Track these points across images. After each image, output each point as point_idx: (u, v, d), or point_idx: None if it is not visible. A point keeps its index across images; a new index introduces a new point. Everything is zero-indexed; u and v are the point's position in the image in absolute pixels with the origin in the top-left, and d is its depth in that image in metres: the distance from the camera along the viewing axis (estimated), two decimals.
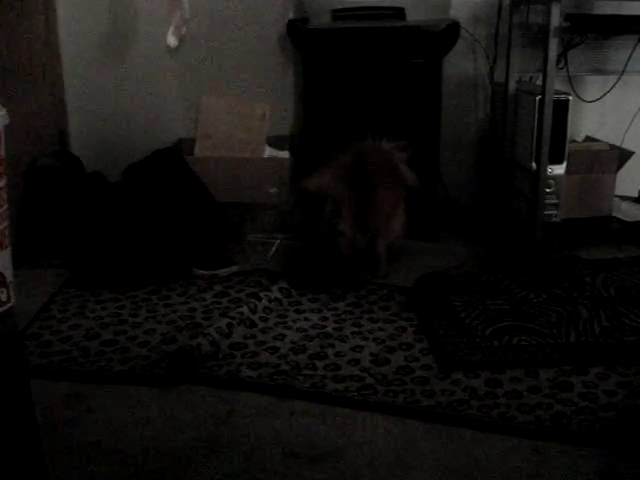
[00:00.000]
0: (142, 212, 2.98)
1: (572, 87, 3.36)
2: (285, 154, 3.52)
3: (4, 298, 1.25)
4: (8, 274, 1.25)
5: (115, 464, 1.86)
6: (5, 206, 1.23)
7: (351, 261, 2.94)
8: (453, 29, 3.27)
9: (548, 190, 3.19)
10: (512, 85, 3.39)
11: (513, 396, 2.13)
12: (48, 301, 2.79)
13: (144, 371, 2.30)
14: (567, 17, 3.01)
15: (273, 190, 3.31)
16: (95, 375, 2.28)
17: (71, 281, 2.96)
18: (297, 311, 2.71)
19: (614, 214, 3.44)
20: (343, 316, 2.67)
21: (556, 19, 2.90)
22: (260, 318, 2.64)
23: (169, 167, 3.17)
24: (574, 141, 3.56)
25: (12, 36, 3.10)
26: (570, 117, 3.15)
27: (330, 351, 2.41)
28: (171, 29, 3.48)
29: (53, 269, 3.06)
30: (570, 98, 3.14)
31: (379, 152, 3.06)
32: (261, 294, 2.77)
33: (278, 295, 2.79)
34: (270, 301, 2.74)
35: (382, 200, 2.94)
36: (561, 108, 3.10)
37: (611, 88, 3.49)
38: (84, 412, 2.09)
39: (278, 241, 3.31)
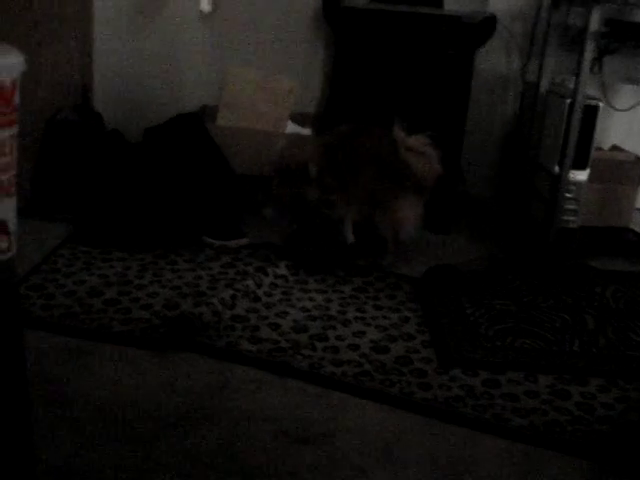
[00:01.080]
0: (158, 175, 2.97)
1: (604, 94, 3.31)
2: (307, 132, 3.49)
3: (4, 247, 1.23)
4: (11, 223, 1.24)
5: (104, 422, 1.87)
6: (15, 154, 1.21)
7: (355, 244, 2.97)
8: (490, 22, 3.23)
9: (568, 195, 3.15)
10: (544, 85, 3.35)
11: (510, 398, 2.12)
12: (50, 254, 2.79)
13: (144, 334, 2.30)
14: (607, 22, 2.96)
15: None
16: (95, 333, 2.28)
17: (74, 236, 2.95)
18: (302, 290, 2.70)
19: (632, 226, 3.40)
20: (348, 300, 2.66)
21: (595, 23, 2.86)
22: (265, 293, 2.63)
23: (190, 133, 3.15)
24: (600, 149, 3.52)
25: None
26: (599, 124, 3.11)
27: (331, 333, 2.40)
28: None
29: (65, 223, 3.06)
30: (601, 105, 3.10)
31: (376, 138, 2.97)
32: (268, 269, 2.76)
33: (285, 272, 2.78)
34: (276, 277, 2.73)
35: (367, 183, 2.92)
36: (590, 114, 3.06)
37: None
38: (80, 368, 2.10)
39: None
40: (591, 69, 3.02)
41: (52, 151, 3.17)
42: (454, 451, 1.88)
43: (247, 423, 1.92)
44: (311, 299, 2.64)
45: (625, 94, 3.55)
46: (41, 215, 3.08)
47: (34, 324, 2.28)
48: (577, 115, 2.98)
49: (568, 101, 3.01)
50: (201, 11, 3.50)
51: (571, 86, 3.09)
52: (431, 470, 1.80)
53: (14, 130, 1.21)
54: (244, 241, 3.05)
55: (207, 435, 1.85)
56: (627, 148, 3.54)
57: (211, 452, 1.79)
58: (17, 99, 1.20)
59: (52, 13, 3.17)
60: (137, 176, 2.97)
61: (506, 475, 1.81)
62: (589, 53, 2.91)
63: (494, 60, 3.58)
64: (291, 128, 3.48)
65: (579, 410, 2.08)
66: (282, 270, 2.79)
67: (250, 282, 2.63)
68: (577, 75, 2.95)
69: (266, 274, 2.72)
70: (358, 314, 2.56)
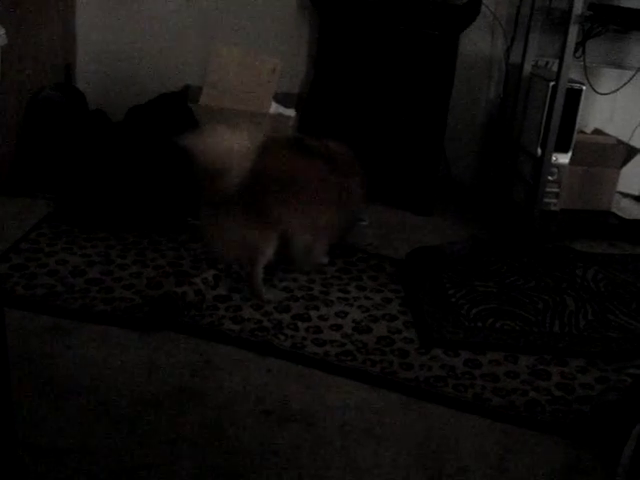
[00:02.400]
0: (141, 155, 2.95)
1: (587, 77, 3.32)
2: (291, 112, 3.48)
3: None
4: None
5: (87, 402, 1.87)
6: None
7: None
8: (474, 4, 3.23)
9: (550, 178, 3.17)
10: (527, 68, 3.35)
11: (490, 379, 2.14)
12: (31, 232, 2.78)
13: (126, 313, 2.29)
14: (590, 6, 2.97)
15: None
16: (77, 312, 2.28)
17: (56, 215, 2.94)
18: (285, 270, 2.70)
19: (613, 210, 3.43)
20: (331, 280, 2.66)
21: (579, 6, 2.87)
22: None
23: (173, 112, 3.13)
24: (582, 132, 3.53)
25: None
26: (581, 107, 3.12)
27: (314, 314, 2.41)
28: None
29: (47, 202, 3.04)
30: (584, 88, 3.11)
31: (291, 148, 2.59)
32: None
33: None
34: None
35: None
36: (573, 97, 3.07)
37: (626, 83, 3.46)
38: (62, 348, 2.09)
39: None
40: (574, 52, 3.02)
41: (34, 129, 3.14)
42: (435, 430, 1.90)
43: (230, 403, 1.92)
44: (294, 279, 2.64)
45: (608, 78, 3.56)
46: (23, 194, 3.06)
47: (16, 303, 2.27)
48: (560, 98, 2.99)
49: (551, 84, 3.02)
50: None
51: (554, 69, 3.11)
52: (412, 449, 1.82)
53: None
54: None
55: (190, 414, 1.86)
56: (609, 132, 3.56)
57: (194, 431, 1.80)
58: None
59: None
60: (120, 155, 2.95)
61: (486, 454, 1.83)
62: (573, 37, 2.92)
63: (478, 43, 3.58)
64: (275, 108, 3.47)
65: (559, 390, 2.11)
66: None
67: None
68: (560, 58, 2.96)
69: None
70: (341, 294, 2.57)
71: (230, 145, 2.30)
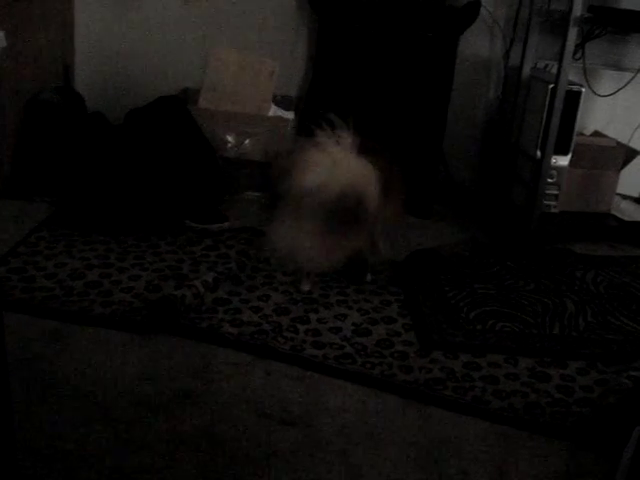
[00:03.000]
0: (140, 158, 2.95)
1: (586, 79, 3.32)
2: (290, 114, 3.48)
3: None
4: None
5: (84, 406, 1.86)
6: None
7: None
8: (474, 7, 3.23)
9: (550, 180, 3.17)
10: (526, 70, 3.35)
11: (490, 381, 2.13)
12: (30, 236, 2.77)
13: (125, 316, 2.29)
14: (590, 8, 2.97)
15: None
16: (76, 315, 2.27)
17: (55, 218, 2.94)
18: (285, 273, 2.69)
19: (613, 212, 3.43)
20: (330, 283, 2.66)
21: (578, 8, 2.87)
22: (247, 276, 2.63)
23: (172, 115, 3.13)
24: (582, 134, 3.53)
25: None
26: (581, 109, 3.12)
27: (313, 316, 2.41)
28: None
29: (46, 205, 3.04)
30: (583, 90, 3.11)
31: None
32: (251, 252, 2.76)
33: (267, 255, 2.78)
34: (259, 260, 2.73)
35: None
36: (573, 99, 3.07)
37: (625, 85, 3.46)
38: (61, 351, 2.09)
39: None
40: (574, 55, 3.02)
41: (33, 132, 3.14)
42: (435, 433, 1.89)
43: (229, 405, 1.92)
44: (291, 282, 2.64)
45: (607, 80, 3.56)
46: (22, 196, 3.07)
47: (15, 307, 2.27)
48: (559, 100, 2.99)
49: (551, 86, 3.02)
50: None
51: (554, 71, 3.11)
52: (411, 452, 1.81)
53: None
54: (226, 225, 3.05)
55: (190, 417, 1.86)
56: (609, 134, 3.55)
57: (194, 434, 1.80)
58: None
59: None
60: (119, 158, 2.95)
61: (486, 456, 1.82)
62: (572, 39, 2.92)
63: (478, 45, 3.58)
64: (274, 110, 3.47)
65: (559, 393, 2.10)
66: (264, 253, 2.78)
67: (233, 265, 2.63)
68: (560, 60, 2.96)
69: (249, 257, 2.72)
70: (340, 297, 2.57)
71: (326, 165, 2.33)
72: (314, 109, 3.33)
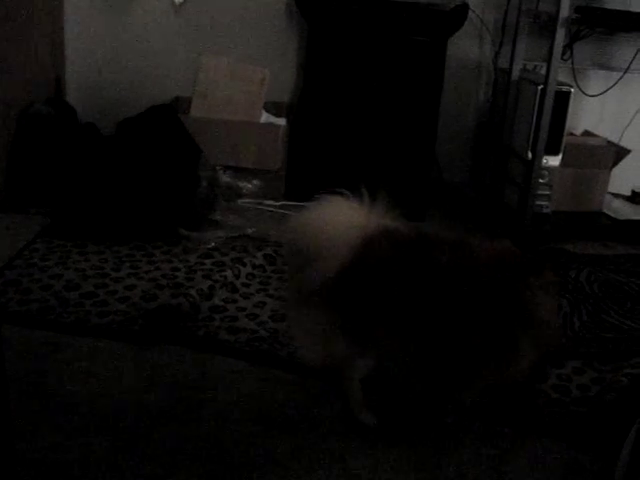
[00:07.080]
0: (133, 168, 2.95)
1: (575, 80, 3.34)
2: (282, 121, 3.49)
3: None
4: None
5: (84, 416, 1.86)
6: None
7: None
8: (461, 10, 3.24)
9: (541, 180, 3.19)
10: (515, 72, 3.37)
11: None
12: (25, 248, 2.77)
13: (122, 327, 2.29)
14: (577, 9, 2.99)
15: None
16: (72, 326, 2.27)
17: (49, 230, 2.93)
18: (280, 279, 2.70)
19: (605, 210, 3.44)
20: None
21: (565, 9, 2.89)
22: (243, 284, 2.63)
23: (164, 124, 3.14)
24: (572, 134, 3.55)
25: None
26: (570, 109, 3.14)
27: None
28: None
29: (39, 217, 3.04)
30: (572, 90, 3.13)
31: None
32: (246, 260, 2.77)
33: (262, 262, 2.78)
34: (254, 267, 2.74)
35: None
36: (562, 100, 3.09)
37: (614, 84, 3.48)
38: (58, 362, 2.08)
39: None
40: (562, 55, 3.05)
41: (25, 145, 3.14)
42: (433, 435, 1.90)
43: (228, 413, 1.92)
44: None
45: (596, 80, 3.58)
46: (15, 209, 3.06)
47: (11, 319, 2.26)
48: (549, 101, 3.01)
49: (540, 87, 3.04)
50: (173, 2, 3.49)
51: (543, 72, 3.13)
52: (411, 454, 1.82)
53: None
54: (220, 233, 3.05)
55: (189, 426, 1.85)
56: (599, 133, 3.58)
57: (193, 443, 1.79)
58: None
59: (21, 6, 3.14)
60: (111, 169, 2.95)
61: (485, 457, 1.83)
62: (560, 40, 2.94)
63: (467, 48, 3.60)
64: (265, 118, 3.48)
65: (556, 392, 2.11)
66: (259, 260, 2.79)
67: (228, 273, 2.63)
68: (548, 62, 2.98)
69: (244, 265, 2.72)
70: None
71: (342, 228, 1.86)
72: (306, 115, 3.34)
